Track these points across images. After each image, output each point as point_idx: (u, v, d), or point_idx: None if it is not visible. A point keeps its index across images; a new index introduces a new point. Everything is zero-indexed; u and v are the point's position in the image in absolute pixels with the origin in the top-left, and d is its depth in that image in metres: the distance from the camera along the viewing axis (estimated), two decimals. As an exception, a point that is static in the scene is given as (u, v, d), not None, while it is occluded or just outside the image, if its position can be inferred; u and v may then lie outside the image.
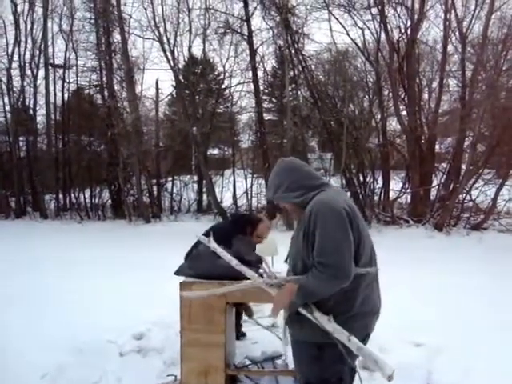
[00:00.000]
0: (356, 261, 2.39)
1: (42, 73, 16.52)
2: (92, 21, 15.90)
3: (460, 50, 12.79)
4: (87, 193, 16.19)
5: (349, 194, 13.34)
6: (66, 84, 16.81)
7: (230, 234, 3.99)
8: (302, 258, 2.50)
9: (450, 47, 13.22)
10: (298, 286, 2.40)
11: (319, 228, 2.37)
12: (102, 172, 16.34)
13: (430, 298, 5.99)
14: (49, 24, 16.39)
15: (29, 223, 14.90)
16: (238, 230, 4.14)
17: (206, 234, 3.74)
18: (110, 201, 16.24)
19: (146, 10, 14.47)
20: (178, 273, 3.68)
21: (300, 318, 2.46)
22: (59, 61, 16.81)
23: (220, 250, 3.26)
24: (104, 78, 15.94)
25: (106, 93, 15.98)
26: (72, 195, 16.47)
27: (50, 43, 16.57)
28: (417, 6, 12.80)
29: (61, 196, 16.57)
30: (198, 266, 3.59)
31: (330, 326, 2.32)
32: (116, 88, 15.94)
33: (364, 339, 2.51)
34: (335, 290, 2.34)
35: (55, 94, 16.89)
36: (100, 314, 5.27)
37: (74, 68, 16.68)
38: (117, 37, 15.53)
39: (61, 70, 16.76)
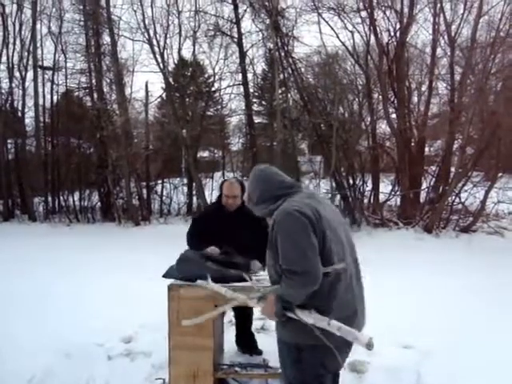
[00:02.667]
0: (327, 262, 2.42)
1: (30, 75, 16.44)
2: (81, 23, 15.81)
3: (449, 53, 12.84)
4: (76, 195, 16.09)
5: (338, 196, 13.37)
6: (55, 86, 16.76)
7: (211, 209, 4.60)
8: (273, 266, 2.55)
9: (438, 50, 13.27)
10: (275, 296, 2.47)
11: (281, 237, 2.42)
12: (91, 174, 16.25)
13: (419, 299, 6.01)
14: (37, 26, 16.32)
15: (17, 226, 14.78)
16: (217, 200, 4.40)
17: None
18: (99, 203, 16.14)
19: (135, 12, 14.42)
20: (166, 275, 3.67)
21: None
22: (48, 63, 16.75)
23: (212, 284, 3.27)
24: (93, 81, 15.85)
25: (95, 95, 15.90)
26: (61, 198, 16.39)
27: (38, 45, 16.48)
28: (406, 9, 12.83)
29: (50, 199, 16.47)
30: (186, 269, 3.57)
31: (311, 317, 2.39)
32: (105, 90, 15.88)
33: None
34: (308, 292, 2.38)
35: (44, 96, 16.84)
36: (88, 317, 5.25)
37: (63, 70, 16.65)
38: (106, 39, 15.48)
39: (50, 72, 16.70)
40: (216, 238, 3.94)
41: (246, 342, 4.44)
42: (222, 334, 3.99)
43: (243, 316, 4.42)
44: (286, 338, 2.57)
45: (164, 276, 3.67)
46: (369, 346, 2.19)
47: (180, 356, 3.46)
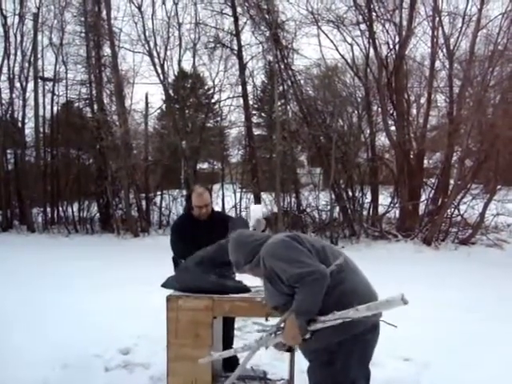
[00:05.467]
0: (326, 265, 2.51)
1: (31, 85, 16.44)
2: (82, 34, 15.86)
3: (447, 66, 12.94)
4: (75, 206, 16.04)
5: (338, 208, 13.37)
6: (55, 97, 16.75)
7: (186, 220, 4.33)
8: (281, 296, 2.63)
9: (437, 63, 13.37)
10: (294, 314, 2.49)
11: (274, 264, 2.57)
12: (91, 185, 16.24)
13: (418, 312, 5.97)
14: (39, 37, 16.38)
15: (16, 236, 14.73)
16: (186, 212, 4.44)
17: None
18: (98, 214, 16.11)
19: (136, 24, 14.51)
20: (164, 285, 3.65)
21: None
22: (49, 74, 16.77)
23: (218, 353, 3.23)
24: (93, 92, 15.89)
25: (95, 106, 15.93)
26: (60, 208, 16.34)
27: (39, 56, 16.51)
28: (405, 22, 12.94)
29: (48, 209, 16.43)
30: (185, 279, 3.56)
31: (337, 316, 2.41)
32: (105, 101, 15.91)
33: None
34: (323, 290, 2.43)
35: (44, 107, 16.83)
36: (86, 328, 5.21)
37: (64, 81, 16.65)
38: (107, 50, 15.54)
39: (50, 83, 16.71)
40: (196, 248, 3.86)
41: (227, 358, 4.05)
42: (220, 344, 3.97)
43: (223, 330, 4.20)
44: (315, 344, 2.59)
45: (163, 286, 3.65)
46: (405, 301, 2.22)
47: (178, 367, 3.44)
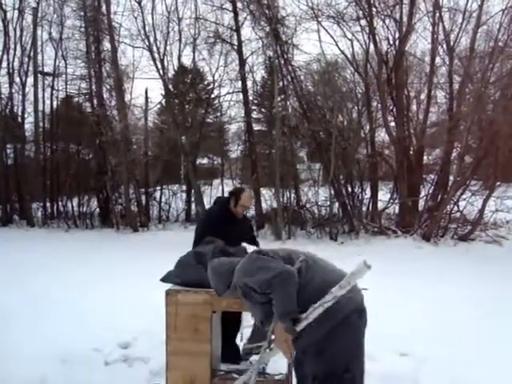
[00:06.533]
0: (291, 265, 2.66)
1: (30, 80, 16.48)
2: (82, 29, 15.88)
3: (447, 62, 12.91)
4: (75, 201, 16.07)
5: (337, 204, 13.38)
6: (54, 92, 16.80)
7: (221, 214, 4.35)
8: (255, 304, 2.78)
9: (437, 59, 13.34)
10: (278, 321, 2.57)
11: (246, 280, 2.72)
12: (90, 180, 16.27)
13: (417, 308, 6.01)
14: (38, 31, 16.39)
15: (15, 231, 14.75)
16: (223, 205, 4.40)
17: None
18: (97, 209, 16.13)
19: (136, 18, 14.50)
20: (164, 280, 3.66)
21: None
22: (48, 68, 16.81)
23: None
24: (93, 87, 15.90)
25: (95, 101, 15.95)
26: (59, 203, 16.36)
27: (39, 51, 16.54)
28: (405, 18, 12.90)
29: (48, 204, 16.45)
30: (184, 274, 3.56)
31: (317, 305, 2.48)
32: (105, 96, 15.94)
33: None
34: (295, 288, 2.56)
35: (44, 102, 16.86)
36: (85, 322, 5.23)
37: (64, 76, 16.69)
38: (106, 45, 15.56)
39: (50, 78, 16.74)
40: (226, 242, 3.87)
41: (232, 354, 4.23)
42: (219, 339, 3.98)
43: (231, 324, 4.23)
44: (307, 341, 2.62)
45: (162, 280, 3.66)
46: (367, 265, 2.32)
47: (177, 362, 3.45)
